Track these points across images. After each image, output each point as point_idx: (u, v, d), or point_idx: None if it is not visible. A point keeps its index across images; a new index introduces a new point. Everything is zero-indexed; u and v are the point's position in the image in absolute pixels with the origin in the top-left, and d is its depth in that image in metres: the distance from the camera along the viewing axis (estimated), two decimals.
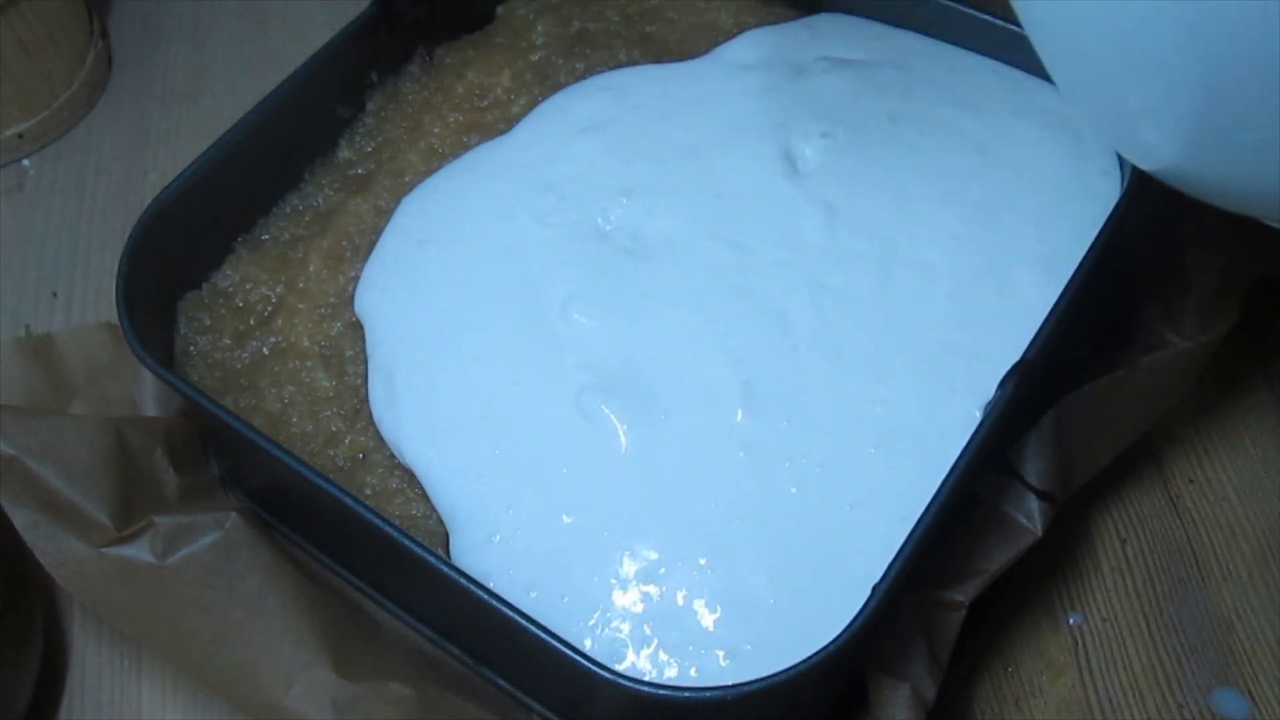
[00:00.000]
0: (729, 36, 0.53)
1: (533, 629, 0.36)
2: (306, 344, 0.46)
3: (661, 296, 0.45)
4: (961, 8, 0.51)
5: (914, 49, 0.53)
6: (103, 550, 0.40)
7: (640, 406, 0.42)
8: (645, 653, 0.38)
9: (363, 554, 0.45)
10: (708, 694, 0.35)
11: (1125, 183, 0.46)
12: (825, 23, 0.54)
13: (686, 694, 0.35)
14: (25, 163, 0.61)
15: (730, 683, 0.35)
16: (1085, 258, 0.43)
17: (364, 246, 0.48)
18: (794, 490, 0.41)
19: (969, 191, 0.47)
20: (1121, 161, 0.48)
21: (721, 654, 0.38)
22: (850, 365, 0.43)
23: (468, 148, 0.51)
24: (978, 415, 0.41)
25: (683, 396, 0.42)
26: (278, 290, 0.48)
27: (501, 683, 0.44)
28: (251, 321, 0.47)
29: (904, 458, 0.41)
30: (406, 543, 0.38)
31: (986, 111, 0.50)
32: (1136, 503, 0.50)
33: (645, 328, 0.44)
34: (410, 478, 0.43)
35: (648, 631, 0.39)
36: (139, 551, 0.40)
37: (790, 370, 0.43)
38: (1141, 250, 0.49)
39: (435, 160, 0.50)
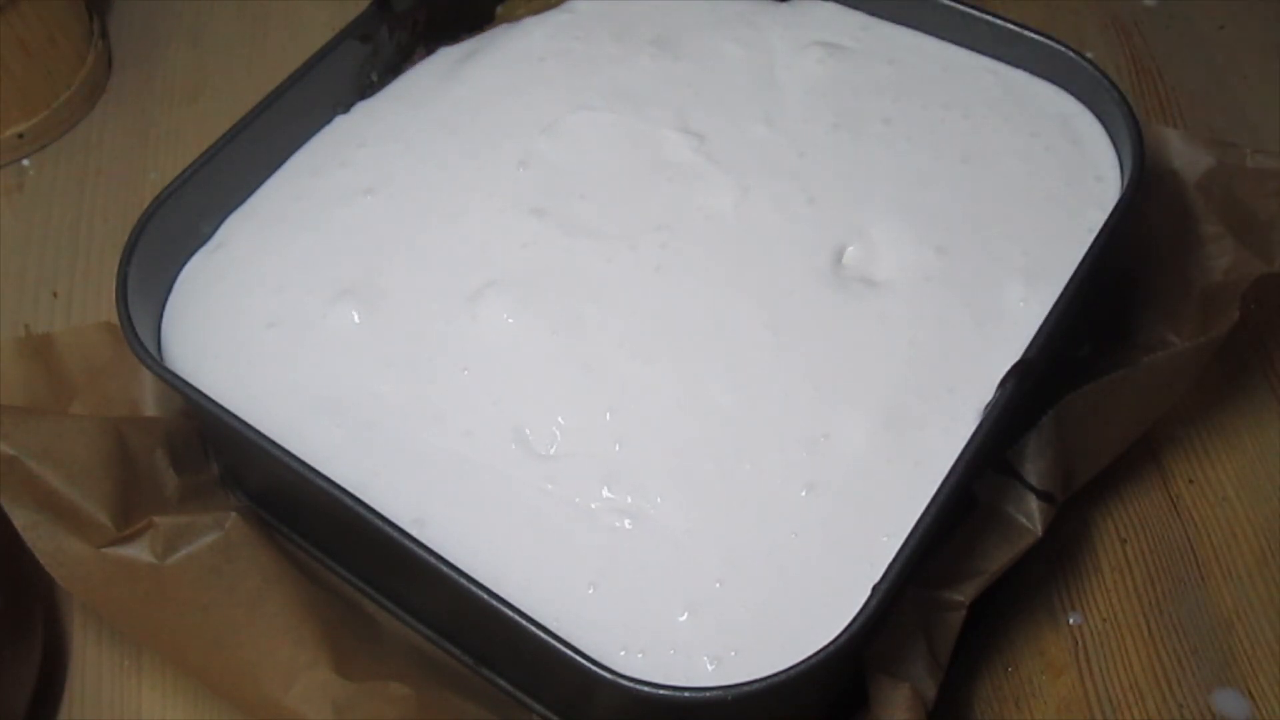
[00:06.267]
0: None
1: (533, 629, 0.36)
2: None
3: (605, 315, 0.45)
4: (958, 5, 0.51)
5: (906, 44, 0.52)
6: (103, 550, 0.40)
7: (610, 418, 0.42)
8: (639, 654, 0.38)
9: (363, 554, 0.45)
10: (708, 694, 0.35)
11: (1124, 186, 0.46)
12: (813, 12, 0.54)
13: (687, 694, 0.35)
14: (25, 163, 0.62)
15: (730, 682, 0.35)
16: (1080, 264, 0.43)
17: None
18: (800, 494, 0.41)
19: (946, 206, 0.47)
20: (1120, 164, 0.48)
21: (719, 655, 0.38)
22: (816, 384, 0.43)
23: None
24: (977, 415, 0.41)
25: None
26: None
27: (501, 683, 0.44)
28: None
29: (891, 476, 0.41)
30: (406, 543, 0.38)
31: (977, 115, 0.49)
32: (1136, 503, 0.50)
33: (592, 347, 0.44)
34: None
35: (643, 632, 0.39)
36: (139, 551, 0.40)
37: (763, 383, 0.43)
38: (1141, 251, 0.49)
39: None
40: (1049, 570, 0.48)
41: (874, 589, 0.36)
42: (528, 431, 0.42)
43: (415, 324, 0.45)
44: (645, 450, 0.42)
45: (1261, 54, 0.64)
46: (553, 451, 0.42)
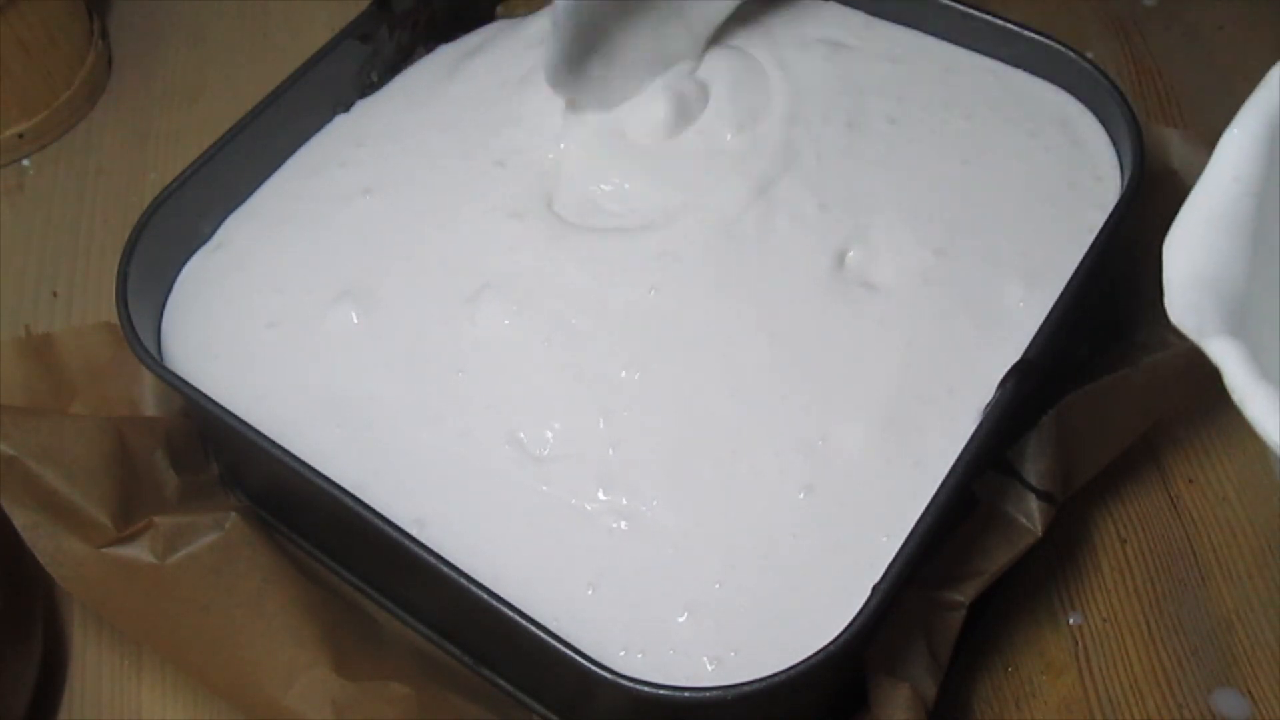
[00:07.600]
0: None
1: (533, 629, 0.36)
2: None
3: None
4: (958, 5, 0.51)
5: (907, 44, 0.52)
6: (103, 550, 0.40)
7: (611, 410, 0.42)
8: (639, 654, 0.38)
9: (362, 554, 0.45)
10: (708, 694, 0.35)
11: (1123, 186, 0.46)
12: (816, 10, 0.54)
13: (687, 694, 0.35)
14: (25, 163, 0.62)
15: (730, 682, 0.35)
16: (1080, 265, 0.43)
17: None
18: (799, 495, 0.41)
19: (946, 208, 0.46)
20: (1120, 165, 0.48)
21: (719, 655, 0.38)
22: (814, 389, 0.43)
23: None
24: (977, 416, 0.41)
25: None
26: None
27: (501, 683, 0.44)
28: None
29: (892, 471, 0.41)
30: (406, 543, 0.38)
31: (977, 116, 0.49)
32: (1136, 503, 0.50)
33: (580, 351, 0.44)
34: None
35: (638, 634, 0.39)
36: (139, 551, 0.40)
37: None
38: (1141, 251, 0.49)
39: None
40: (1049, 570, 0.48)
41: (874, 589, 0.36)
42: (521, 434, 0.42)
43: (414, 325, 0.45)
44: (640, 452, 0.41)
45: (1262, 54, 0.64)
46: (546, 453, 0.42)
